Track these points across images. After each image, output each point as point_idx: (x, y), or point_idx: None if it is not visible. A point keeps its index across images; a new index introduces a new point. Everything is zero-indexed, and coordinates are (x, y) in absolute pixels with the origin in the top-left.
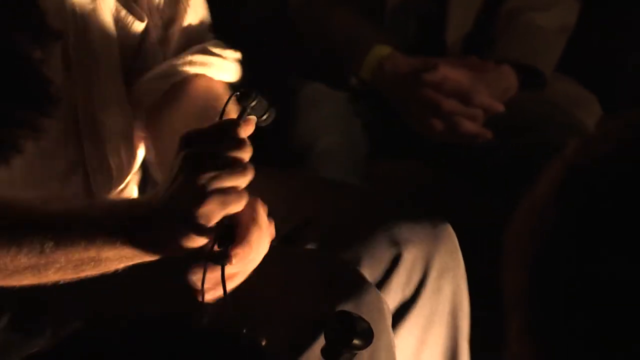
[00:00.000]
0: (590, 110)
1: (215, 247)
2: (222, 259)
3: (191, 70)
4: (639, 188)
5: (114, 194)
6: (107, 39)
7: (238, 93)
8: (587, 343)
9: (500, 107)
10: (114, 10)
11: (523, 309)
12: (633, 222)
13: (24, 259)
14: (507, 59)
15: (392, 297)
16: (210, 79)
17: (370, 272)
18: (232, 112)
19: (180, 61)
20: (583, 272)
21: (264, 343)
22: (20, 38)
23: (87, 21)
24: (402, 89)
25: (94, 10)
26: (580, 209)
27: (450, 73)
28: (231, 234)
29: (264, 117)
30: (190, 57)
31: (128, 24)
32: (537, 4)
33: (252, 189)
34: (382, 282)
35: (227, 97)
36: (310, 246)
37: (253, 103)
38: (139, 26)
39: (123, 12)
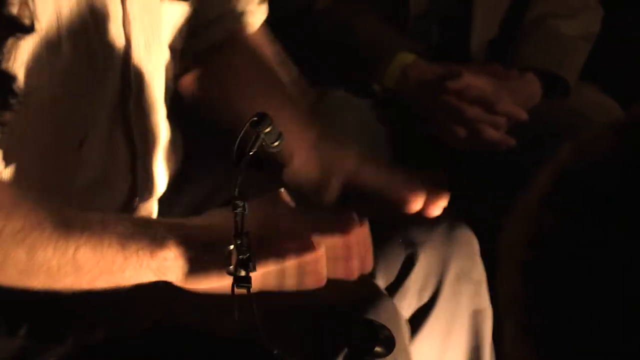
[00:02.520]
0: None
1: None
2: (247, 283)
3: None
4: (632, 193)
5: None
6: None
7: (255, 118)
8: (583, 344)
9: (523, 115)
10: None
11: (517, 312)
12: (625, 226)
13: (44, 257)
14: (531, 67)
15: (409, 302)
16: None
17: (385, 276)
18: None
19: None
20: (576, 275)
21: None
22: None
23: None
24: (425, 96)
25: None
26: (572, 214)
27: (474, 80)
28: (252, 257)
29: (275, 143)
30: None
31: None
32: (561, 11)
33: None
34: (398, 286)
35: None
36: None
37: (267, 129)
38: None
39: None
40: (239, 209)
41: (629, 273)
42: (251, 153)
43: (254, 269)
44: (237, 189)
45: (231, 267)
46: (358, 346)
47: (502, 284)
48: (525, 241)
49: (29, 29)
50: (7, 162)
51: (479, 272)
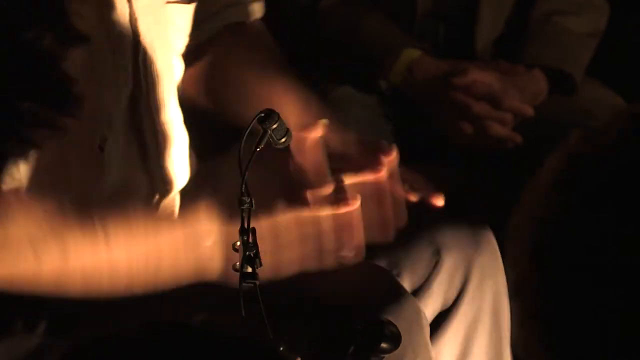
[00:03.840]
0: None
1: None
2: (253, 279)
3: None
4: (638, 178)
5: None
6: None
7: (262, 114)
8: (589, 326)
9: (530, 111)
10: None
11: (524, 296)
12: (631, 210)
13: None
14: (538, 64)
15: (434, 302)
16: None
17: (410, 277)
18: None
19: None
20: (583, 257)
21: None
22: (40, 35)
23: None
24: (431, 92)
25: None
26: (581, 197)
27: (480, 76)
28: (258, 253)
29: (283, 139)
30: None
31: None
32: (567, 8)
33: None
34: (423, 287)
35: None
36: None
37: (274, 126)
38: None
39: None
40: (246, 205)
41: (633, 255)
42: (258, 149)
43: (260, 265)
44: (243, 185)
45: (237, 263)
46: (363, 343)
47: (511, 267)
48: (535, 224)
49: (86, 39)
50: (37, 172)
51: (500, 274)
